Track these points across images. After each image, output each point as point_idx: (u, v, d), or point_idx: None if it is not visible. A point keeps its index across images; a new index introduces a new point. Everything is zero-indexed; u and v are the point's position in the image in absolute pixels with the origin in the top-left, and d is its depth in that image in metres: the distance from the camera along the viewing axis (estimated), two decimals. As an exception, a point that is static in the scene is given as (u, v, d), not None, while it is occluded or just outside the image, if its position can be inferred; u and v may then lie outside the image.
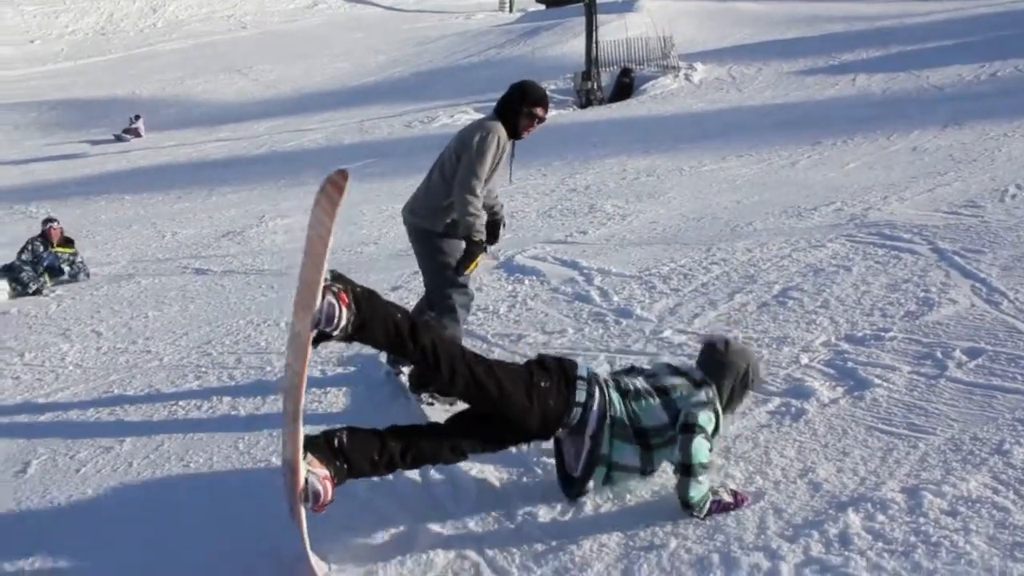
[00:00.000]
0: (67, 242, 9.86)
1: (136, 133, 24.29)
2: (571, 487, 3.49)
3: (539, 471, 3.77)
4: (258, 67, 33.89)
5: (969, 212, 6.98)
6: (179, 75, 33.66)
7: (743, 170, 10.76)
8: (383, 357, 5.10)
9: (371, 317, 3.12)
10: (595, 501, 3.47)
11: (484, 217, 4.46)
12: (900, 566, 2.84)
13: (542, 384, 3.34)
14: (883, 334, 4.71)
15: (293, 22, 44.74)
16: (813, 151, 11.42)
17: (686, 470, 3.26)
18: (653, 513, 3.34)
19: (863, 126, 12.74)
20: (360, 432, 3.26)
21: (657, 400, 3.46)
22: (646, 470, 3.49)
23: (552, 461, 3.72)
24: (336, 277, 3.11)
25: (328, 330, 3.01)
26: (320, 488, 3.05)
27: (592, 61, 23.12)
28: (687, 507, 3.27)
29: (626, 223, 8.45)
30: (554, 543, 3.23)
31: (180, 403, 5.13)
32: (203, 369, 5.68)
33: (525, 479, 3.73)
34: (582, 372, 3.46)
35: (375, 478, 3.79)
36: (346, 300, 3.04)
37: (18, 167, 21.06)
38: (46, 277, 9.31)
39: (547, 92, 4.57)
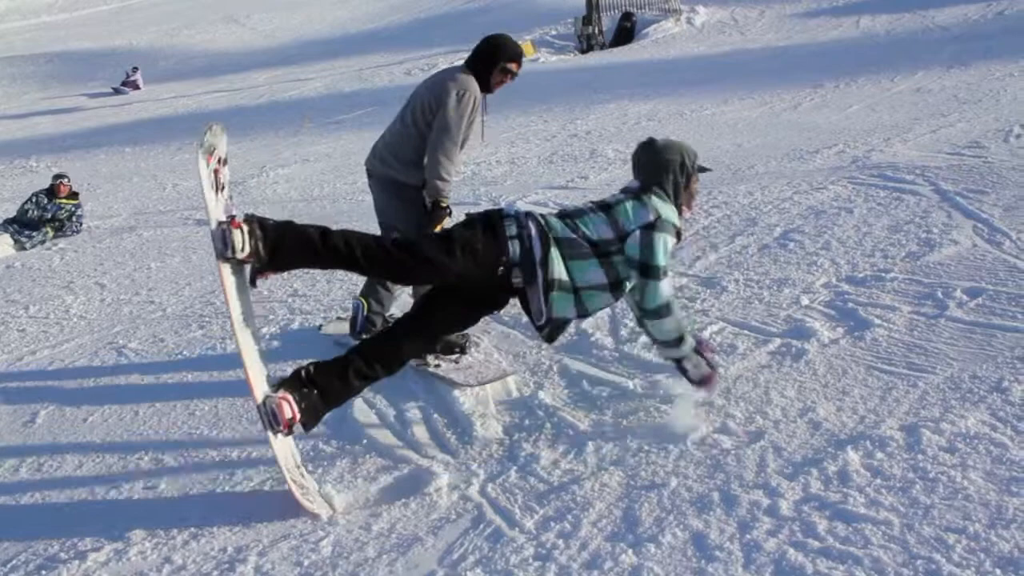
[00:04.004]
0: (72, 195, 9.85)
1: (135, 85, 24.03)
2: (544, 329, 3.41)
3: (540, 413, 3.80)
4: (256, 16, 33.42)
5: (972, 153, 6.93)
6: (176, 25, 33.24)
7: (745, 113, 10.67)
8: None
9: (282, 236, 3.21)
10: (596, 443, 3.51)
11: (454, 182, 4.34)
12: (898, 501, 2.88)
13: (464, 234, 3.31)
14: (884, 275, 4.71)
15: (290, -30, 44.01)
16: (815, 94, 11.31)
17: (653, 314, 3.33)
18: (654, 453, 3.37)
19: (867, 68, 12.59)
20: (325, 361, 3.38)
21: (601, 214, 3.43)
22: (614, 284, 3.39)
23: (550, 401, 3.77)
24: (247, 217, 3.23)
25: (229, 255, 3.12)
26: (275, 406, 3.16)
27: (593, 5, 22.77)
28: (667, 347, 3.37)
29: (627, 168, 8.36)
30: (556, 483, 3.27)
31: (184, 352, 5.17)
32: (206, 318, 5.70)
33: (527, 421, 3.76)
34: (508, 211, 3.43)
35: (378, 422, 3.86)
36: (238, 224, 3.14)
37: (17, 121, 20.92)
38: (49, 229, 9.32)
39: (521, 47, 4.49)
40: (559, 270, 3.33)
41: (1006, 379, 3.52)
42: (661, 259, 3.33)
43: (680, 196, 3.52)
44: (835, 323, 4.25)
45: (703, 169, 3.64)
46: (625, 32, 22.21)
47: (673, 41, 20.31)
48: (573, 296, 3.37)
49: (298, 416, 3.21)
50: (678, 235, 3.46)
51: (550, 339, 3.48)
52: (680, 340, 3.43)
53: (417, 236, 3.53)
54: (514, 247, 3.31)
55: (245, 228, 3.15)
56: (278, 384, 3.26)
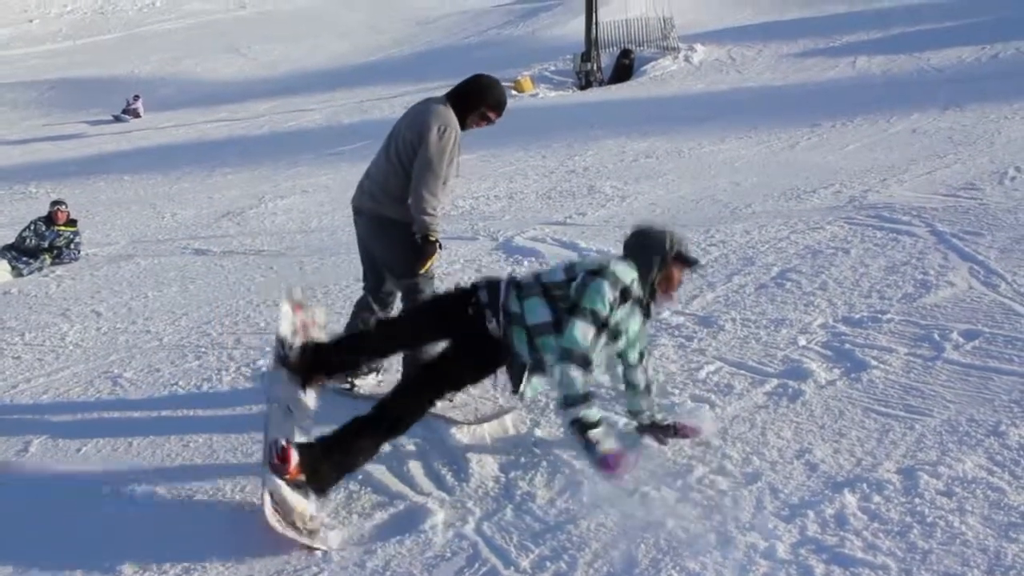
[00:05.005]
0: (71, 223, 9.85)
1: (135, 113, 24.19)
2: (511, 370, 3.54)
3: (537, 451, 3.79)
4: (257, 47, 33.75)
5: (968, 194, 6.98)
6: (178, 55, 33.51)
7: (742, 152, 10.75)
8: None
9: (323, 344, 3.85)
10: (593, 481, 3.49)
11: (440, 216, 4.29)
12: (895, 546, 2.87)
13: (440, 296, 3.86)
14: (881, 316, 4.72)
15: (293, 2, 44.50)
16: (812, 133, 11.41)
17: (563, 354, 3.28)
18: (651, 493, 3.35)
19: (863, 108, 12.72)
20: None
21: (563, 265, 3.63)
22: (558, 324, 3.40)
23: (547, 439, 3.76)
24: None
25: (285, 353, 3.73)
26: (283, 444, 3.36)
27: (592, 42, 23.03)
28: (564, 404, 3.27)
29: (625, 205, 8.44)
30: (552, 522, 3.26)
31: (180, 383, 5.14)
32: (202, 349, 5.69)
33: (524, 459, 3.75)
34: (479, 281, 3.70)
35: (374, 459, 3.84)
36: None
37: (17, 147, 21.00)
38: (47, 257, 9.33)
39: (507, 96, 4.49)
40: (515, 307, 3.47)
41: (1003, 423, 3.52)
42: (590, 302, 3.31)
43: (652, 273, 3.49)
44: (832, 364, 4.25)
45: (691, 261, 3.61)
46: (623, 69, 22.45)
47: (671, 79, 20.52)
48: (526, 335, 3.44)
49: (293, 458, 3.34)
50: (625, 297, 3.39)
51: (514, 386, 3.52)
52: (579, 401, 3.25)
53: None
54: (482, 293, 3.55)
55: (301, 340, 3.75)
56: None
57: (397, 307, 4.68)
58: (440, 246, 4.33)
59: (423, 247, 4.27)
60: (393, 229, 4.37)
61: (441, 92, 4.48)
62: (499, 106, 4.37)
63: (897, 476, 3.25)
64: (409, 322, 4.00)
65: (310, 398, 3.76)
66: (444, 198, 4.34)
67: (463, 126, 4.32)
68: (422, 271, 4.31)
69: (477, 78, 4.41)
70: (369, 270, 4.63)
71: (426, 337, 3.80)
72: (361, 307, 4.65)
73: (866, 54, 19.00)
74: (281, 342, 3.74)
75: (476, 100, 4.31)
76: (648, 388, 3.71)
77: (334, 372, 3.94)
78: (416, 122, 4.30)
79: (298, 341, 3.79)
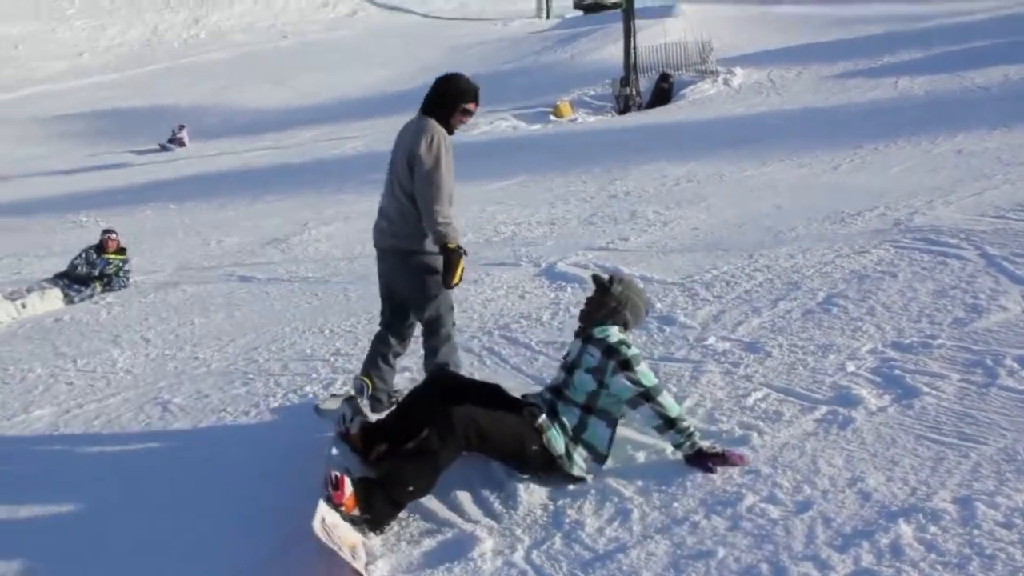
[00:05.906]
0: (120, 251, 10.04)
1: (181, 142, 24.66)
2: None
3: (588, 479, 3.77)
4: (299, 76, 34.28)
5: (1018, 216, 6.87)
6: (222, 84, 34.15)
7: (784, 175, 10.68)
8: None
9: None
10: (642, 510, 3.48)
11: (455, 224, 4.32)
12: (953, 578, 2.81)
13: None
14: (931, 341, 4.65)
15: (333, 31, 45.20)
16: (855, 155, 11.31)
17: (647, 397, 3.69)
18: (701, 521, 3.33)
19: (906, 129, 12.59)
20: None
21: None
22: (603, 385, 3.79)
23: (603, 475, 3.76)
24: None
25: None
26: (335, 472, 3.47)
27: (630, 67, 23.11)
28: (671, 425, 3.68)
29: (667, 230, 8.42)
30: (601, 551, 3.24)
31: (228, 409, 5.20)
32: (250, 376, 5.76)
33: (572, 487, 3.73)
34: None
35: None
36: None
37: (67, 177, 21.47)
38: (98, 285, 9.51)
39: (476, 85, 4.56)
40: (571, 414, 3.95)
41: (1062, 451, 3.45)
42: (628, 350, 3.83)
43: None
44: (882, 390, 4.19)
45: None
46: (662, 93, 22.47)
47: (710, 102, 20.48)
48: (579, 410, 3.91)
49: (347, 489, 3.44)
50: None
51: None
52: (684, 416, 3.80)
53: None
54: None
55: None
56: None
57: (416, 339, 4.74)
58: (464, 252, 4.34)
59: (447, 258, 4.30)
60: (414, 259, 4.46)
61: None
62: (475, 98, 4.49)
63: (953, 506, 3.19)
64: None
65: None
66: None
67: (451, 131, 4.43)
68: (454, 282, 4.33)
69: (446, 81, 4.49)
70: (387, 306, 4.71)
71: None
72: (379, 340, 4.73)
73: (908, 74, 18.82)
74: (342, 416, 4.09)
75: (455, 102, 4.41)
76: (669, 421, 3.70)
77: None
78: (406, 146, 4.39)
79: (355, 426, 4.03)
